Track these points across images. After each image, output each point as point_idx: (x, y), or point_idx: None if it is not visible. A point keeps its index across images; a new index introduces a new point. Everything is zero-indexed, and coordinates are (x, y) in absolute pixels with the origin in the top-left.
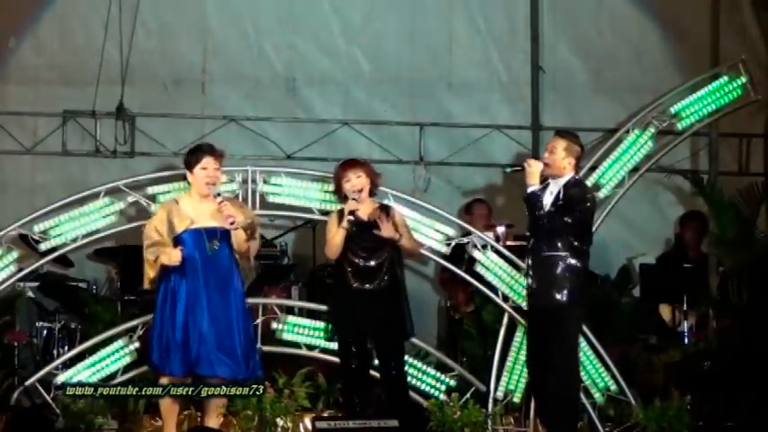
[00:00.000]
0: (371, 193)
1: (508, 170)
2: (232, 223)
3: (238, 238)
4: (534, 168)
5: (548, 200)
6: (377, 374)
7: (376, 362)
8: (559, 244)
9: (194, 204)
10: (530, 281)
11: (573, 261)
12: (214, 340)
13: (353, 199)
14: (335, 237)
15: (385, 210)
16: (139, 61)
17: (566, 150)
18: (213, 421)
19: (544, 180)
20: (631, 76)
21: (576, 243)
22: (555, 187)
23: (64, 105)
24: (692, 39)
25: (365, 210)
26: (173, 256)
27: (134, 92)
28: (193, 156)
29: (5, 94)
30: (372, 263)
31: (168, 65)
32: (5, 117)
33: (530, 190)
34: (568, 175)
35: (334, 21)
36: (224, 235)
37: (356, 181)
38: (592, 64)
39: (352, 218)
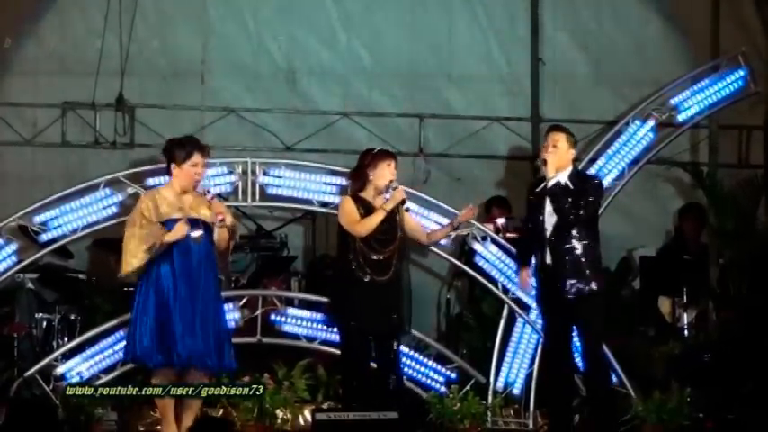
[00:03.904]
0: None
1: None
2: (222, 220)
3: (222, 235)
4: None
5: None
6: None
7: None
8: (581, 233)
9: (176, 196)
10: (552, 270)
11: (594, 248)
12: (198, 332)
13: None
14: (375, 217)
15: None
16: (139, 52)
17: (568, 143)
18: (190, 419)
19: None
20: (631, 68)
21: (593, 231)
22: (561, 180)
23: (64, 96)
24: (693, 31)
25: (380, 201)
26: (180, 229)
27: (134, 83)
28: (183, 149)
29: (5, 86)
30: (382, 256)
31: (168, 56)
32: (5, 108)
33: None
34: (570, 166)
35: (334, 12)
36: (207, 227)
37: (394, 170)
38: (592, 56)
39: (405, 197)
